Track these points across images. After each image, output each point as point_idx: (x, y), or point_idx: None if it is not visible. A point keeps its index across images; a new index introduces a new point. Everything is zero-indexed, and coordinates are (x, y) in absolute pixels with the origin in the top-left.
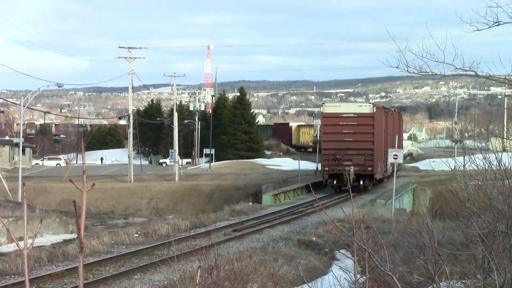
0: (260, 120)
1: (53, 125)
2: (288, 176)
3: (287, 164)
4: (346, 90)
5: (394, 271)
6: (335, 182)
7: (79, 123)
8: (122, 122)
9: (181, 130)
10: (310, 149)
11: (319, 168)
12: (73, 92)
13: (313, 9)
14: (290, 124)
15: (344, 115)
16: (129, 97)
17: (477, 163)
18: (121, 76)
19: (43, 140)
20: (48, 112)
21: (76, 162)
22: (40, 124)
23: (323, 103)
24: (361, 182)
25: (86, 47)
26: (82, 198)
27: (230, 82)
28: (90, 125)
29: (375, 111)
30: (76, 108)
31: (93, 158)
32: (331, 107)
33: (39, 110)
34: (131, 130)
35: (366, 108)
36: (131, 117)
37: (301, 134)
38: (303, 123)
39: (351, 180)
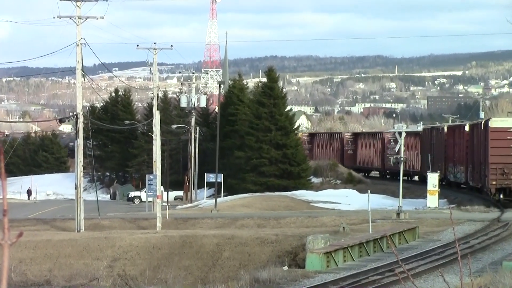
0: (303, 124)
1: None
2: (351, 220)
3: (349, 199)
4: (451, 73)
5: None
6: (501, 196)
7: None
8: (66, 127)
9: (166, 142)
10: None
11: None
12: None
13: None
14: (352, 133)
15: None
16: (77, 84)
17: None
18: (64, 50)
19: None
20: None
21: None
22: None
23: (489, 119)
24: None
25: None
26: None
27: (250, 60)
28: (10, 133)
29: None
30: None
31: (15, 189)
32: (498, 122)
33: None
34: (80, 142)
35: None
36: (81, 119)
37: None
38: (378, 131)
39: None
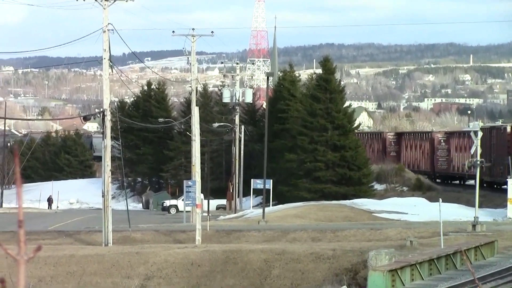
0: (364, 121)
1: None
2: (419, 233)
3: (417, 208)
4: None
5: None
6: None
7: (7, 128)
8: (91, 125)
9: (207, 143)
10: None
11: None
12: None
13: None
14: (395, 133)
15: None
16: (104, 76)
17: None
18: (88, 37)
19: None
20: None
21: (1, 206)
22: None
23: None
24: None
25: None
26: (17, 274)
27: (303, 48)
28: (27, 132)
29: None
30: (1, 98)
31: (33, 196)
32: None
33: None
34: (107, 142)
35: None
36: (108, 117)
37: (454, 150)
38: (451, 130)
39: None
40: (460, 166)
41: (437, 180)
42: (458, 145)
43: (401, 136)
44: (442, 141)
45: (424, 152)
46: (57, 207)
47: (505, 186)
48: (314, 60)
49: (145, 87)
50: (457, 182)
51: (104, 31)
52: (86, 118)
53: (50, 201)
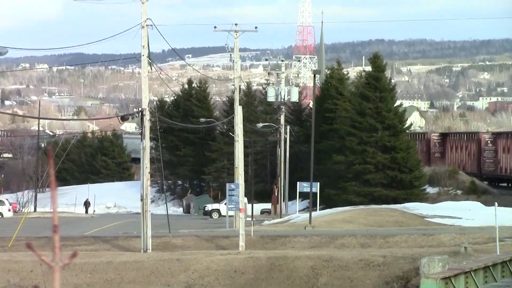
0: (416, 121)
1: None
2: (474, 239)
3: (472, 213)
4: None
5: None
6: None
7: (41, 128)
8: (129, 125)
9: (250, 144)
10: None
11: None
12: (27, 66)
13: None
14: (439, 133)
15: None
16: (143, 74)
17: None
18: (126, 33)
19: None
20: None
21: (35, 210)
22: None
23: None
24: None
25: None
26: (52, 281)
27: (351, 44)
28: (62, 133)
29: None
30: (35, 97)
31: (68, 200)
32: None
33: None
34: (146, 144)
35: None
36: (147, 116)
37: (502, 151)
38: (499, 131)
39: None
40: (509, 168)
41: (484, 182)
42: (506, 146)
43: (446, 136)
44: (489, 142)
45: (470, 154)
46: (94, 211)
47: None
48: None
49: (186, 86)
50: (505, 184)
51: (143, 27)
52: (124, 118)
53: (87, 205)
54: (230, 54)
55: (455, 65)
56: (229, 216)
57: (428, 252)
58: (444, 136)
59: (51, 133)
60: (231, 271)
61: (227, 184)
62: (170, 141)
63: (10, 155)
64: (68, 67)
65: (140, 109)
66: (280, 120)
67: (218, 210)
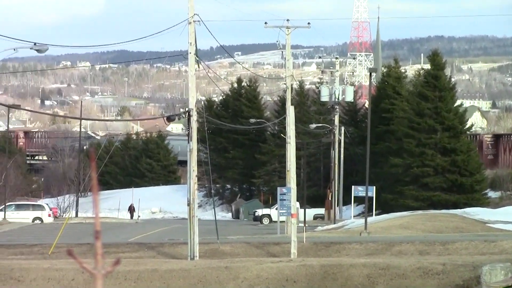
0: (477, 122)
1: (24, 134)
2: None
3: None
4: None
5: None
6: None
7: (83, 129)
8: (175, 126)
9: (303, 146)
10: None
11: None
12: (68, 64)
13: None
14: (492, 135)
15: None
16: (190, 72)
17: None
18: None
19: (5, 167)
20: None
21: (76, 215)
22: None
23: None
24: None
25: None
26: None
27: (409, 41)
28: (105, 134)
29: None
30: (76, 97)
31: (111, 205)
32: None
33: None
34: (193, 146)
35: None
36: (194, 117)
37: None
38: None
39: None
40: None
41: None
42: None
43: (499, 138)
44: None
45: None
46: (139, 216)
47: None
48: (422, 54)
49: (235, 84)
50: None
51: (190, 23)
52: (170, 119)
53: (132, 210)
54: (282, 52)
55: None
56: (281, 221)
57: (489, 260)
58: (497, 137)
59: (94, 135)
60: (283, 279)
61: (278, 188)
62: (218, 142)
63: (50, 158)
64: (112, 65)
65: (187, 109)
66: (334, 120)
67: (268, 216)
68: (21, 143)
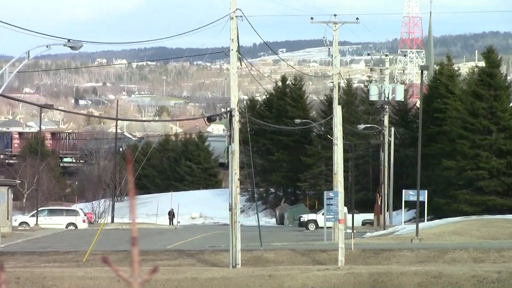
0: None
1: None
2: None
3: None
4: None
5: None
6: None
7: (119, 130)
8: (216, 127)
9: (351, 148)
10: None
11: None
12: (103, 61)
13: None
14: None
15: None
16: (232, 70)
17: None
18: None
19: (38, 171)
20: (49, 106)
21: (112, 221)
22: (32, 134)
23: None
24: None
25: None
26: None
27: (463, 37)
28: (143, 136)
29: None
30: (112, 96)
31: (149, 210)
32: None
33: (27, 103)
34: (235, 147)
35: None
36: (236, 117)
37: None
38: None
39: None
40: None
41: None
42: None
43: None
44: None
45: None
46: (178, 222)
47: None
48: (476, 51)
49: (279, 83)
50: None
51: (232, 18)
52: (210, 119)
53: (171, 215)
54: (329, 48)
55: None
56: (327, 227)
57: None
58: None
59: (130, 136)
60: None
61: (325, 192)
62: (261, 144)
63: (84, 160)
64: (149, 62)
65: (228, 109)
66: (383, 121)
67: (315, 221)
68: (48, 145)
